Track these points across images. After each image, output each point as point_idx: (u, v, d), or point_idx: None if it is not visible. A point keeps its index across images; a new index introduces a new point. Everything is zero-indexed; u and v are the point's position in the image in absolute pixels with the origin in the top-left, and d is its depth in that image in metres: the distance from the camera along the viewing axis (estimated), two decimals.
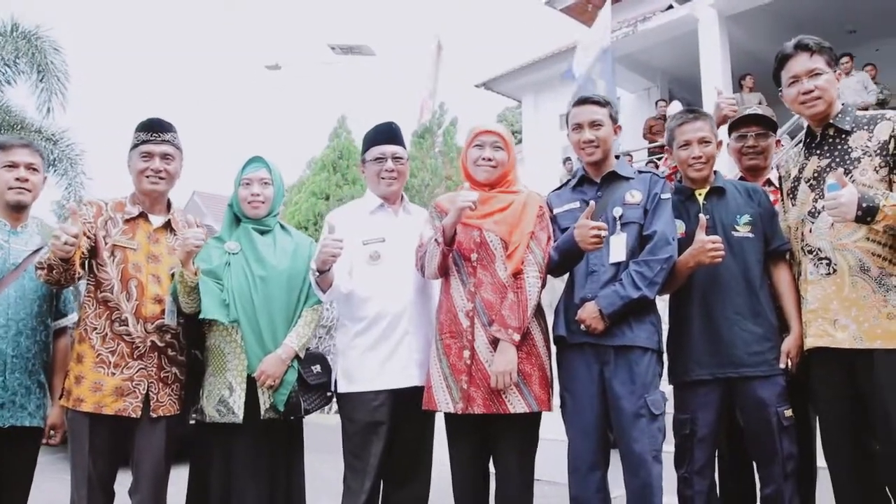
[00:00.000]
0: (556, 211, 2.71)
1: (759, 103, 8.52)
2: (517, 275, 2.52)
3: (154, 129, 2.72)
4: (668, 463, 2.59)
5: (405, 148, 2.93)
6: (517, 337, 2.46)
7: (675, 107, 10.66)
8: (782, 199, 2.74)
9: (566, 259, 2.58)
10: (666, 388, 2.63)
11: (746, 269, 2.62)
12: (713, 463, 2.70)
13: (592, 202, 2.51)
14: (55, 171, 11.01)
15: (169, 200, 2.85)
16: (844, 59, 9.22)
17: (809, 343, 2.49)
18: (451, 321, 2.57)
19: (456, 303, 2.57)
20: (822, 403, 2.54)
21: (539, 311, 2.63)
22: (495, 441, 2.59)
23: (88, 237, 2.59)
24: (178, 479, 2.70)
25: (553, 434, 2.73)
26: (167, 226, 2.77)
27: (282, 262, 2.75)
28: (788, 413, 2.55)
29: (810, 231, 2.50)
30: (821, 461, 2.71)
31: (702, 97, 10.69)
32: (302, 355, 2.70)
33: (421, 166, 15.23)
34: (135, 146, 2.72)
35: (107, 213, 2.67)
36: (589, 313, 2.51)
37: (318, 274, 2.63)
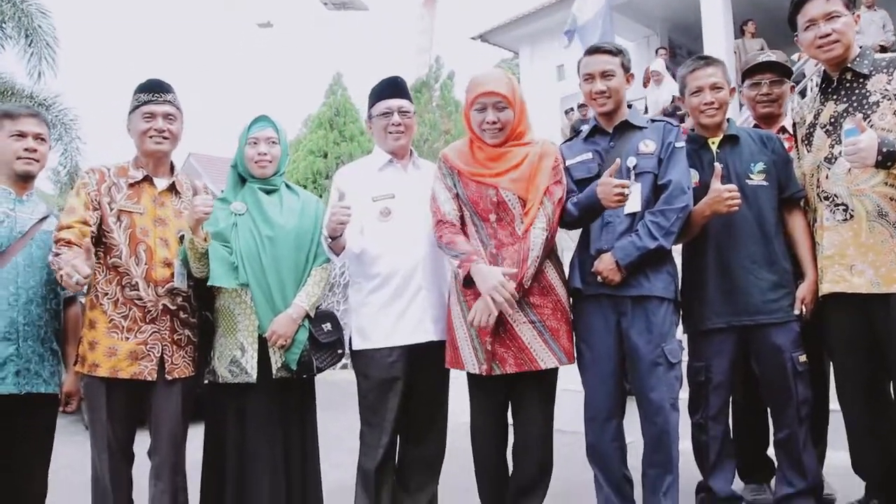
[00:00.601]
0: (568, 163, 2.67)
1: (761, 49, 8.39)
2: (527, 239, 2.49)
3: (155, 89, 2.68)
4: (683, 409, 2.61)
5: (411, 102, 2.88)
6: (511, 284, 2.42)
7: (658, 64, 10.55)
8: (797, 146, 2.71)
9: (586, 215, 2.56)
10: (680, 336, 2.64)
11: (761, 217, 2.61)
12: (727, 409, 2.74)
13: (618, 160, 2.47)
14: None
15: (172, 163, 2.81)
16: None
17: (825, 289, 2.49)
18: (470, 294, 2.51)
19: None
20: (837, 348, 2.56)
21: (558, 265, 2.63)
22: (518, 394, 2.61)
23: (95, 208, 2.58)
24: (195, 438, 2.73)
25: (569, 384, 2.74)
26: (172, 188, 2.74)
27: (289, 221, 2.72)
28: (803, 359, 2.58)
29: (826, 177, 2.47)
30: (833, 404, 2.75)
31: (703, 45, 10.53)
32: (312, 314, 2.70)
33: (419, 121, 14.93)
34: (135, 107, 2.68)
35: (110, 178, 2.65)
36: (606, 265, 2.50)
37: (329, 240, 2.61)
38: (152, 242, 2.62)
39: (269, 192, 2.77)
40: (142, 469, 2.64)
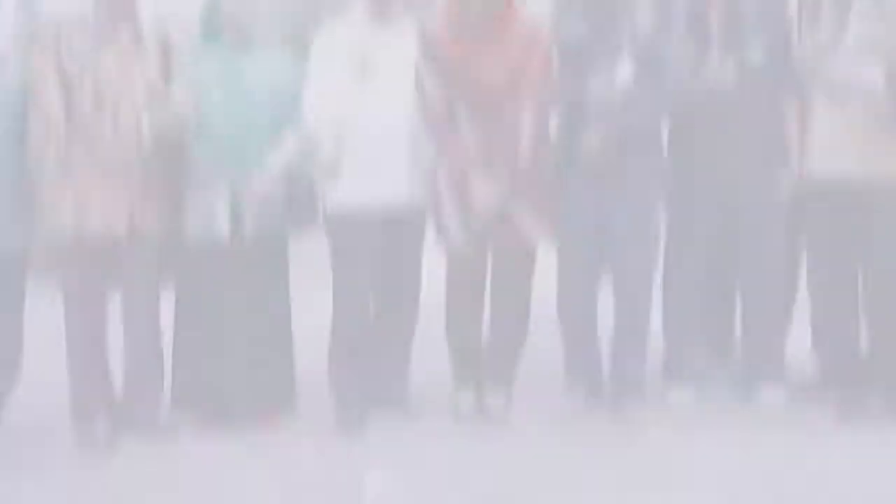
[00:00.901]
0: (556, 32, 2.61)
1: None
2: (516, 123, 2.52)
3: None
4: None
5: None
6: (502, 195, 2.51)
7: None
8: (799, 25, 2.62)
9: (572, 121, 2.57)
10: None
11: (755, 96, 2.56)
12: (700, 287, 2.77)
13: None
14: None
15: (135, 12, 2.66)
16: None
17: (812, 173, 2.49)
18: (460, 171, 2.56)
19: (469, 154, 2.55)
20: (814, 233, 2.62)
21: (547, 145, 2.63)
22: (498, 261, 2.66)
23: (58, 67, 2.48)
24: (168, 301, 2.73)
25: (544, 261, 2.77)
26: (136, 39, 2.62)
27: (266, 76, 2.66)
28: (780, 241, 2.61)
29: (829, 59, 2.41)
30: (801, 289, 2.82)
31: None
32: (289, 174, 2.66)
33: None
34: None
35: (70, 30, 2.57)
36: (591, 144, 2.48)
37: None
38: (118, 94, 2.54)
39: (244, 46, 2.67)
40: (117, 330, 2.67)
